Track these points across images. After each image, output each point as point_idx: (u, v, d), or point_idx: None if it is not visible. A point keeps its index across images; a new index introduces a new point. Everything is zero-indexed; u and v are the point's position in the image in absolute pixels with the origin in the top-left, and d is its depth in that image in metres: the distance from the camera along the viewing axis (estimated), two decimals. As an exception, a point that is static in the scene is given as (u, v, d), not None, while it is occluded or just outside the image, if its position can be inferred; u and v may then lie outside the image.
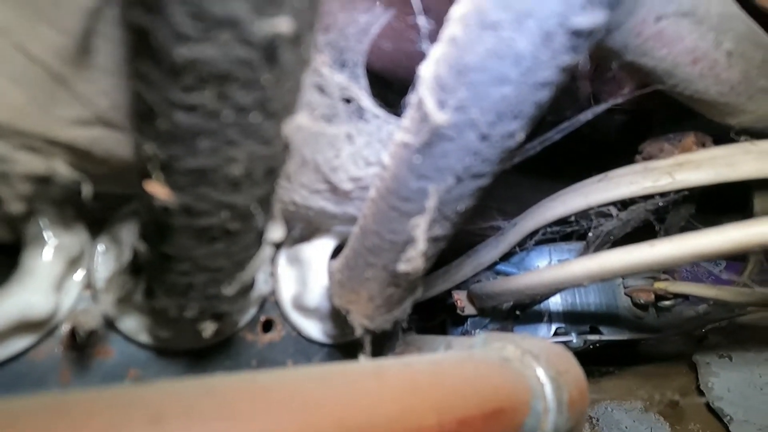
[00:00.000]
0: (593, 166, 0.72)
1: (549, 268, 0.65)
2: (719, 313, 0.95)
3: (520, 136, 0.26)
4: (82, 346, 0.34)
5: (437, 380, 0.34)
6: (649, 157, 0.71)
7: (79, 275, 0.34)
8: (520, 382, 0.39)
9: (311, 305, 0.44)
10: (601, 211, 0.79)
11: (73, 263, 0.33)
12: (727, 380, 1.12)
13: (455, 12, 0.24)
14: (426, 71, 0.26)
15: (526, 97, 0.24)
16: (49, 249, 0.30)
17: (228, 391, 0.25)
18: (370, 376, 0.32)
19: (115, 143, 0.27)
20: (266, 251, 0.29)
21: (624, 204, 0.76)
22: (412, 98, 0.28)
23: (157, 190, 0.23)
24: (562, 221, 0.75)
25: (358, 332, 0.39)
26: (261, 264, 0.29)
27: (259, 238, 0.29)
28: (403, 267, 0.30)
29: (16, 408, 0.19)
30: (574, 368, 0.44)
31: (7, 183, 0.23)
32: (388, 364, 0.34)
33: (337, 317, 0.45)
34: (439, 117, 0.25)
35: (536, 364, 0.42)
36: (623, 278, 0.99)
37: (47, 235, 0.30)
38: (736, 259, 1.01)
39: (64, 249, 0.31)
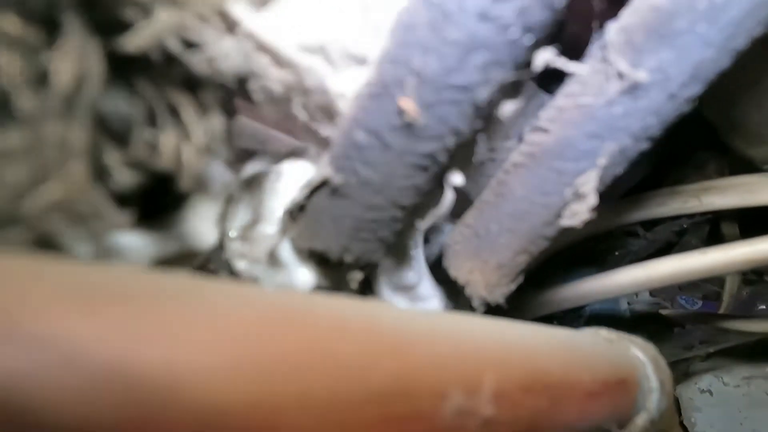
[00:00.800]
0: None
1: (596, 278, 0.68)
2: (712, 341, 1.00)
3: (694, 103, 0.29)
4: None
5: (576, 347, 0.35)
6: (676, 181, 0.77)
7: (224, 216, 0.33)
8: (628, 360, 0.41)
9: (409, 283, 0.44)
10: (628, 231, 0.84)
11: (227, 202, 0.32)
12: (709, 415, 1.16)
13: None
14: (614, 38, 0.29)
15: (718, 63, 0.27)
16: (218, 181, 0.29)
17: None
18: (530, 332, 0.33)
19: (325, 73, 0.28)
20: (449, 197, 0.30)
21: (652, 224, 0.82)
22: (584, 65, 0.31)
23: (409, 106, 0.23)
24: (591, 239, 0.79)
25: (476, 304, 0.39)
26: (442, 212, 0.30)
27: (441, 182, 0.30)
28: (567, 222, 0.32)
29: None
30: (660, 356, 0.46)
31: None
32: (533, 327, 0.35)
33: (434, 297, 0.45)
34: (639, 75, 0.28)
35: (634, 347, 0.43)
36: (629, 303, 1.03)
37: (214, 167, 0.30)
38: (710, 298, 1.09)
39: (228, 183, 0.30)
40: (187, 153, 0.19)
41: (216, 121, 0.21)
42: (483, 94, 0.24)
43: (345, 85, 0.29)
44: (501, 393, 0.23)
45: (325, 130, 0.31)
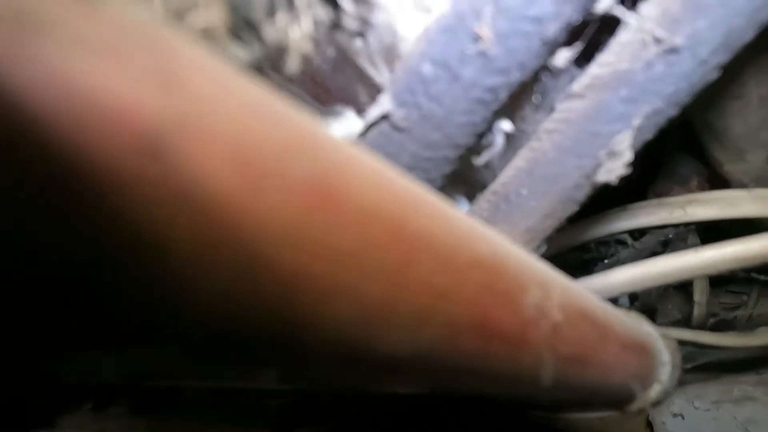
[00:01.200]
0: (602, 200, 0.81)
1: (590, 278, 0.70)
2: (689, 358, 1.04)
3: (719, 73, 0.32)
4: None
5: (607, 306, 0.37)
6: (662, 194, 0.82)
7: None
8: (645, 332, 0.42)
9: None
10: (618, 240, 0.88)
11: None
12: (682, 440, 1.18)
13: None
14: (650, 10, 0.32)
15: (744, 33, 0.31)
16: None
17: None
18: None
19: (394, 13, 0.29)
20: (499, 140, 0.31)
21: (641, 233, 0.86)
22: (619, 37, 0.34)
23: (485, 33, 0.25)
24: (581, 248, 0.82)
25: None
26: (495, 151, 0.31)
27: (491, 123, 0.31)
28: (603, 177, 0.34)
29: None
30: (668, 334, 0.48)
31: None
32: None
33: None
34: (676, 40, 0.30)
35: (646, 324, 0.45)
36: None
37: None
38: (679, 324, 1.13)
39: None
40: (295, 35, 0.20)
41: (322, 12, 0.22)
42: (552, 28, 0.26)
43: (409, 29, 0.30)
44: (564, 307, 0.24)
45: (381, 76, 0.32)
